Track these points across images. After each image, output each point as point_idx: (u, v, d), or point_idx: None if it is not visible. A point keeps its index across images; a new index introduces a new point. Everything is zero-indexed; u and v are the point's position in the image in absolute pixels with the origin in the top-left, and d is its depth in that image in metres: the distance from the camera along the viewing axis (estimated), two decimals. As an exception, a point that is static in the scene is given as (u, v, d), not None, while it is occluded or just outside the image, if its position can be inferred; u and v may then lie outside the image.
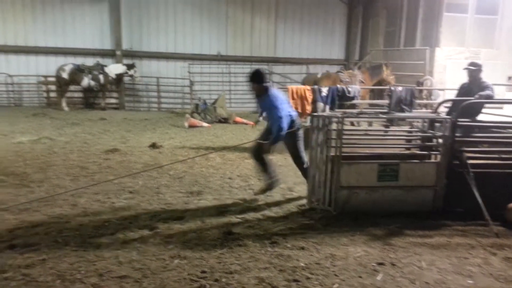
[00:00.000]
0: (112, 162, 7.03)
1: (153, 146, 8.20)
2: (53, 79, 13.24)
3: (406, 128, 5.81)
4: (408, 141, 5.34)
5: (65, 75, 12.81)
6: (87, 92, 13.73)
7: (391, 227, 4.24)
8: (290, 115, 4.89)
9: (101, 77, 13.04)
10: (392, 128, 6.19)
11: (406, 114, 7.42)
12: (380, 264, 3.49)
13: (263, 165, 5.16)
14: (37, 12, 13.73)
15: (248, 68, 13.52)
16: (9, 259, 3.50)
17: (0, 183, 5.67)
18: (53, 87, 13.45)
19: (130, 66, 13.39)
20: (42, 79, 13.55)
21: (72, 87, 13.29)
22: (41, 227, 4.23)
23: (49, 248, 3.72)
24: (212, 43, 14.85)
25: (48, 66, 13.55)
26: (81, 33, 14.01)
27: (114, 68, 13.31)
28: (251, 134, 9.64)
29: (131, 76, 13.45)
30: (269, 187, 5.23)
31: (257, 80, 4.86)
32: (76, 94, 13.85)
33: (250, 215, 4.63)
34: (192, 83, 13.97)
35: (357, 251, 3.72)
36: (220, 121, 11.71)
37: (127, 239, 3.94)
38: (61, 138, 9.02)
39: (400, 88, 8.39)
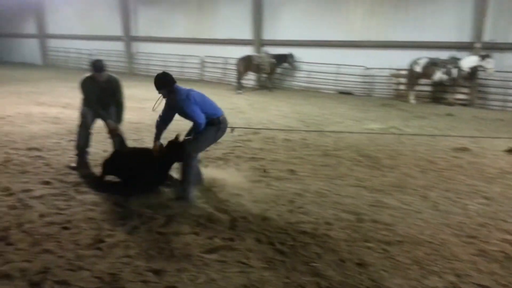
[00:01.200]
0: (462, 161, 6.58)
1: (511, 151, 7.10)
2: (404, 72, 13.78)
3: None
4: None
5: (418, 69, 13.04)
6: (437, 86, 13.51)
7: None
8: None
9: (454, 71, 12.48)
10: None
11: None
12: None
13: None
14: (398, 7, 14.52)
15: None
16: (370, 231, 3.87)
17: (357, 163, 6.40)
18: (403, 80, 14.02)
19: (483, 57, 12.10)
20: (394, 72, 14.35)
21: (422, 81, 13.42)
22: (393, 210, 4.46)
23: (406, 232, 3.85)
24: None
25: (401, 59, 14.16)
26: (438, 26, 13.74)
27: (467, 61, 12.42)
28: None
29: (484, 69, 12.17)
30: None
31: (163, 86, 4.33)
32: (424, 88, 13.87)
33: None
34: None
35: None
36: None
37: (486, 248, 3.55)
38: (408, 129, 9.26)
39: None
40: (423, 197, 4.91)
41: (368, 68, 15.03)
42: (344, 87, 15.78)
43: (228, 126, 4.69)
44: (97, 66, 5.02)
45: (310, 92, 15.96)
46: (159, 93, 4.36)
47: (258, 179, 5.37)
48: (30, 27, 26.16)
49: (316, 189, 5.08)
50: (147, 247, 3.45)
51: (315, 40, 16.11)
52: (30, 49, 27.05)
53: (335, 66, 15.74)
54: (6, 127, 7.89)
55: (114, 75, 5.37)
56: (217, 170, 5.69)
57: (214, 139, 4.60)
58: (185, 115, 4.33)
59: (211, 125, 4.43)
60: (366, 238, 3.73)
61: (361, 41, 15.19)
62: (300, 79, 16.79)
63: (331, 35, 15.75)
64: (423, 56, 13.17)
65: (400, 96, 13.96)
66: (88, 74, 5.17)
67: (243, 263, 3.20)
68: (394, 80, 14.45)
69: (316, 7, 15.93)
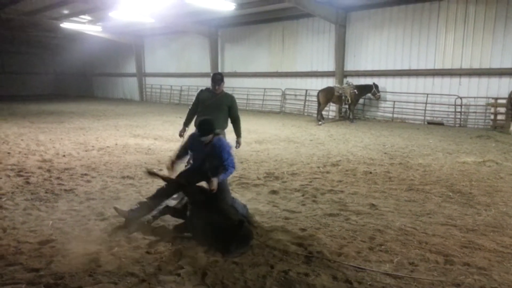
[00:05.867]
0: None
1: None
2: (503, 101, 12.61)
3: None
4: None
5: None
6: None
7: None
8: None
9: None
10: None
11: None
12: None
13: None
14: (495, 33, 13.36)
15: None
16: (460, 275, 3.49)
17: (447, 199, 5.89)
18: (502, 110, 12.81)
19: None
20: (492, 101, 13.19)
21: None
22: (488, 253, 3.99)
23: (503, 278, 3.40)
24: None
25: (500, 88, 13.02)
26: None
27: None
28: None
29: None
30: None
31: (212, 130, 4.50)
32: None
33: None
34: None
35: None
36: None
37: None
38: (508, 163, 8.36)
39: None
40: (526, 240, 4.33)
41: (461, 97, 14.03)
42: (434, 117, 14.87)
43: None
44: (216, 77, 5.59)
45: (395, 123, 15.30)
46: (206, 138, 4.45)
47: (336, 212, 5.21)
48: (131, 67, 29.18)
49: (400, 226, 4.77)
50: (222, 277, 3.49)
51: (402, 70, 15.58)
52: (129, 86, 30.08)
53: (423, 95, 14.98)
54: (105, 157, 8.74)
55: (229, 93, 5.95)
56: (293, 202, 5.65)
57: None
58: (219, 158, 4.45)
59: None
60: (455, 282, 3.37)
61: (452, 69, 14.32)
62: (384, 109, 16.24)
63: (419, 64, 15.11)
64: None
65: (499, 127, 12.74)
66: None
67: (317, 301, 3.08)
68: (492, 109, 13.26)
69: (402, 36, 15.48)
